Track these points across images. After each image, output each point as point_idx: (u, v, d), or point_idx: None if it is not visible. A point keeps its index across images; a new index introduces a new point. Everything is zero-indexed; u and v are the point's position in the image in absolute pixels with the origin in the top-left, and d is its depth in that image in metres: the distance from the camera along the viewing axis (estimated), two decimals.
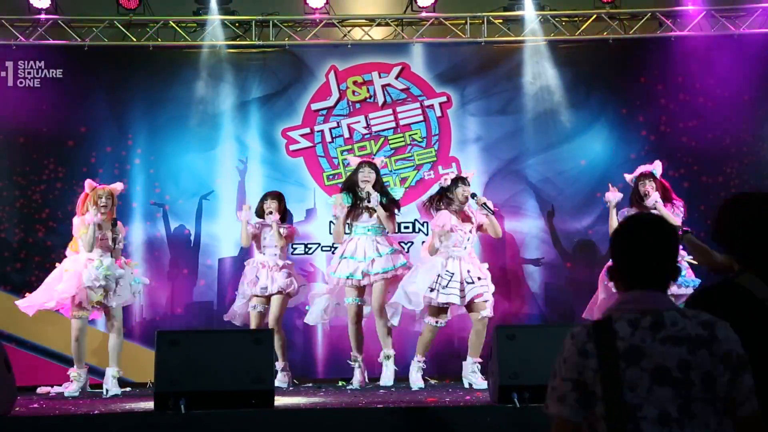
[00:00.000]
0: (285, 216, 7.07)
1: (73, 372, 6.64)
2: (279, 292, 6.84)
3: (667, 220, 2.27)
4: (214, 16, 7.74)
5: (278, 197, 7.02)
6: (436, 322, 6.50)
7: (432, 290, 6.40)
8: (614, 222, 6.59)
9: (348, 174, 7.01)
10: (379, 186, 6.75)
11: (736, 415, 2.08)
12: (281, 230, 6.94)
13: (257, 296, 6.89)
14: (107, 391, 6.57)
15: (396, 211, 6.80)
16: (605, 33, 7.81)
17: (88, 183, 6.67)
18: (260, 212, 7.00)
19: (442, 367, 7.20)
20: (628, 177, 6.74)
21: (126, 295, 6.68)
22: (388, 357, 6.63)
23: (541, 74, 7.77)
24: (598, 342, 2.08)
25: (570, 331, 2.16)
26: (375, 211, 6.70)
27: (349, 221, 6.78)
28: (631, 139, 7.60)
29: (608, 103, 7.76)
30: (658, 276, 2.15)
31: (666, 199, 6.56)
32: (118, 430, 5.05)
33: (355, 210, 6.73)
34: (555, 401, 2.11)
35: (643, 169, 6.68)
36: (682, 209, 6.57)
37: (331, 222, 7.51)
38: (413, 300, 6.43)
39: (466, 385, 6.41)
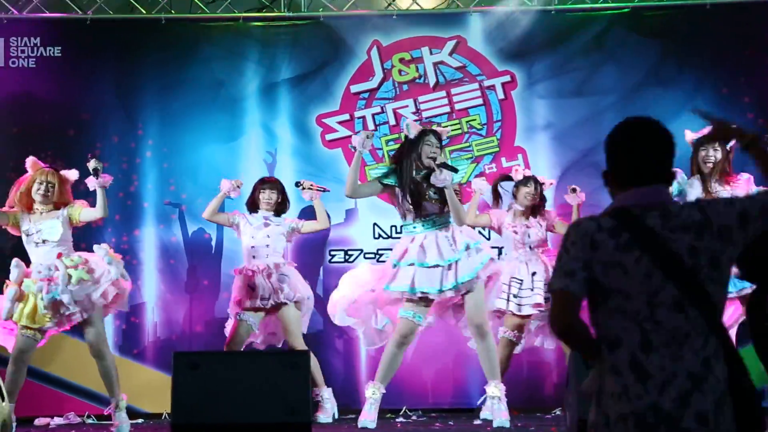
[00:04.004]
0: (284, 209, 6.90)
1: None
2: (286, 303, 6.62)
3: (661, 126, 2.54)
4: None
5: (280, 186, 6.91)
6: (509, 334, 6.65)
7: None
8: None
9: (400, 147, 6.33)
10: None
11: None
12: (296, 225, 6.87)
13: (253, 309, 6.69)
14: (117, 429, 6.22)
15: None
16: None
17: (32, 162, 6.27)
18: (254, 204, 6.85)
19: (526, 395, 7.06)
20: (690, 136, 6.35)
21: (86, 304, 6.05)
22: (496, 397, 5.93)
23: (624, 48, 7.53)
24: (629, 229, 2.40)
25: (574, 221, 2.56)
26: (436, 198, 6.00)
27: (404, 215, 6.09)
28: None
29: (705, 81, 7.48)
30: (660, 172, 2.51)
31: (723, 170, 6.29)
32: None
33: (418, 195, 6.00)
34: (562, 276, 2.43)
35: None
36: (743, 184, 6.28)
37: (375, 224, 7.36)
38: None
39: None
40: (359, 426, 6.02)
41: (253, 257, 6.73)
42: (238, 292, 6.69)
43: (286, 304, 6.61)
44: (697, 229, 2.41)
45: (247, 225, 6.81)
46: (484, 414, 6.20)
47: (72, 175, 6.31)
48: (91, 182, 6.13)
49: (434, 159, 5.93)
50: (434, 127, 6.34)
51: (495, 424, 5.90)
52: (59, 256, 6.10)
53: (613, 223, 2.41)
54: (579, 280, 2.40)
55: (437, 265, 5.88)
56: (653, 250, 2.37)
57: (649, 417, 2.32)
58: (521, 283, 6.65)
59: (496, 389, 5.93)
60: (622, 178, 2.51)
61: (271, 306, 6.62)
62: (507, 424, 5.87)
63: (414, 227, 6.01)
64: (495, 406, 5.93)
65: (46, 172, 6.20)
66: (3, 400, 5.08)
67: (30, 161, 6.26)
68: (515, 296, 6.61)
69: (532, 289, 6.61)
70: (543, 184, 6.90)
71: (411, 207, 5.97)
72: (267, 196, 6.80)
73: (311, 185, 6.79)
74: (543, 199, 6.89)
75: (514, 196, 6.86)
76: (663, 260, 2.36)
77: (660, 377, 2.33)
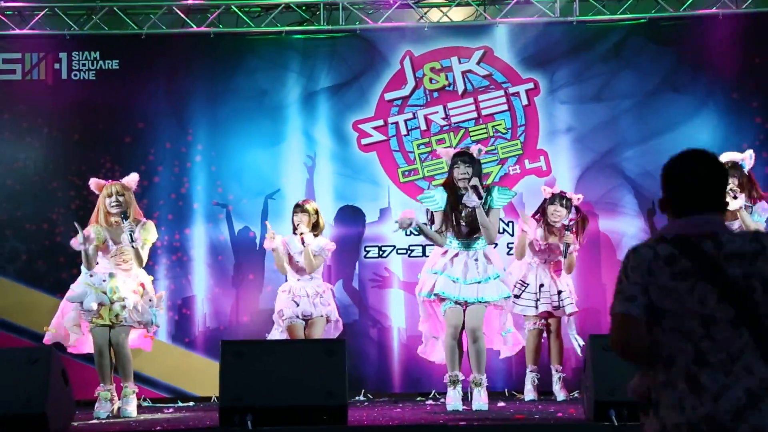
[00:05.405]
0: (318, 228, 6.95)
1: (101, 390, 6.38)
2: (321, 317, 6.83)
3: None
4: None
5: (311, 208, 6.93)
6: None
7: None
8: None
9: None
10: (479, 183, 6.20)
11: None
12: (311, 251, 6.80)
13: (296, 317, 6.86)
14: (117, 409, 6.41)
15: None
16: (714, 8, 7.63)
17: (95, 183, 6.56)
18: (293, 226, 6.98)
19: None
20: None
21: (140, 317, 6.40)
22: (478, 384, 6.17)
23: (640, 55, 7.64)
24: (688, 256, 2.41)
25: (632, 247, 2.51)
26: (467, 221, 6.22)
27: (443, 230, 6.30)
28: (743, 127, 7.42)
29: (716, 87, 7.59)
30: (717, 202, 2.52)
31: (752, 196, 6.39)
32: None
33: (452, 215, 6.25)
34: (623, 300, 2.43)
35: (729, 157, 6.36)
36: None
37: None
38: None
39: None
40: (448, 409, 6.13)
41: (297, 280, 6.88)
42: (282, 305, 6.83)
43: (320, 316, 6.82)
44: (750, 257, 2.42)
45: (288, 249, 6.95)
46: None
47: (132, 180, 6.57)
48: (125, 242, 6.38)
49: (467, 179, 6.18)
50: (466, 148, 6.56)
51: (474, 407, 6.10)
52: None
53: (671, 250, 2.43)
54: (639, 305, 2.42)
55: (458, 280, 6.19)
56: (709, 273, 2.39)
57: (702, 427, 2.31)
58: (526, 287, 6.77)
59: (478, 379, 6.16)
60: (681, 207, 2.53)
61: (305, 318, 6.82)
62: (485, 407, 6.10)
63: (450, 242, 6.30)
64: (477, 394, 6.15)
65: (110, 185, 6.51)
66: (67, 384, 5.30)
67: (93, 183, 6.55)
68: (517, 297, 6.70)
69: (538, 300, 6.71)
70: (571, 199, 6.83)
71: (451, 226, 6.25)
72: (299, 219, 6.88)
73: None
74: (585, 219, 6.88)
75: (545, 212, 6.86)
76: (717, 281, 2.38)
77: (714, 389, 2.32)
